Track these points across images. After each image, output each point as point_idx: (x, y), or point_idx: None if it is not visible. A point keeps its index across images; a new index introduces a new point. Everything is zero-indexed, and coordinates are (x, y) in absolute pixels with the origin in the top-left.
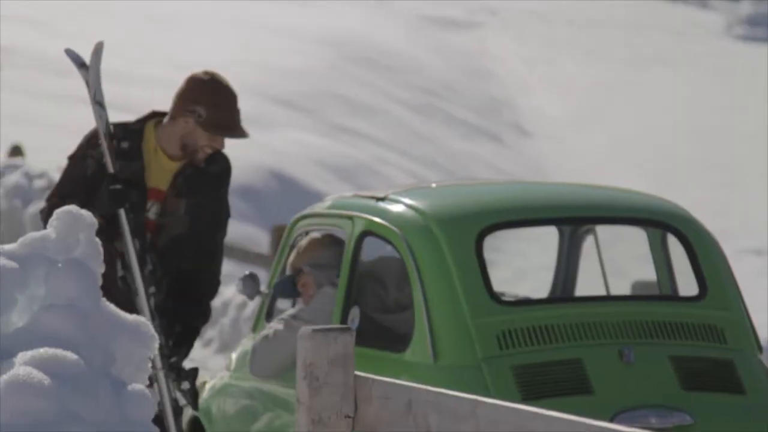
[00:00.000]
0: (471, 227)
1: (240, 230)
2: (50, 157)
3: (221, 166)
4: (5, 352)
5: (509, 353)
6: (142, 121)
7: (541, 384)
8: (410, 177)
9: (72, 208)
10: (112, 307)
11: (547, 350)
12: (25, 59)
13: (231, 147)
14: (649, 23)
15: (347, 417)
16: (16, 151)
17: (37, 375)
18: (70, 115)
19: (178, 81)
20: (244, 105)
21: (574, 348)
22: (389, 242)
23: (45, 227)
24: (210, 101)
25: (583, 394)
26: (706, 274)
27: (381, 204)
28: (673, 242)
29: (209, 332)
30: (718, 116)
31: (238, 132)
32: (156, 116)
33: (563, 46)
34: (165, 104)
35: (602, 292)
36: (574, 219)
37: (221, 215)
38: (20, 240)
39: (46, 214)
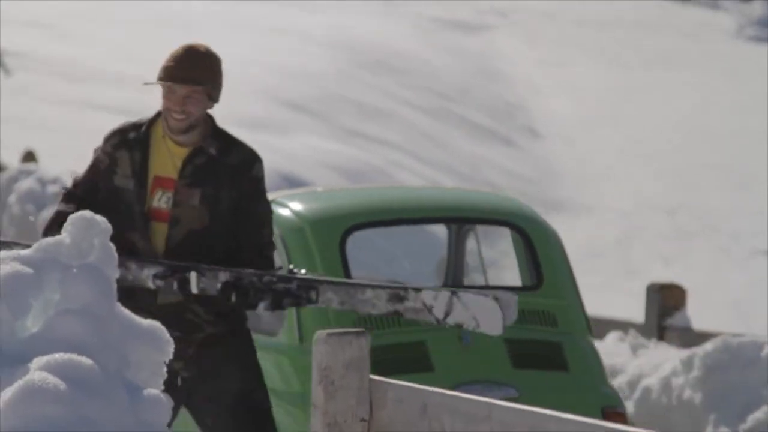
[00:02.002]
0: (337, 228)
1: None
2: (63, 163)
3: (240, 157)
4: (20, 357)
5: None
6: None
7: (390, 362)
8: (423, 180)
9: (86, 213)
10: (126, 312)
11: (397, 333)
12: (37, 64)
13: None
14: (660, 24)
15: (362, 420)
16: (29, 156)
17: (53, 380)
18: (82, 120)
19: None
20: (255, 108)
21: (420, 332)
22: None
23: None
24: (166, 59)
25: (425, 372)
26: (543, 267)
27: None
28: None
29: None
30: (730, 117)
31: (168, 75)
32: None
33: (574, 48)
34: None
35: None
36: (427, 219)
37: (261, 211)
38: (35, 245)
39: (58, 203)
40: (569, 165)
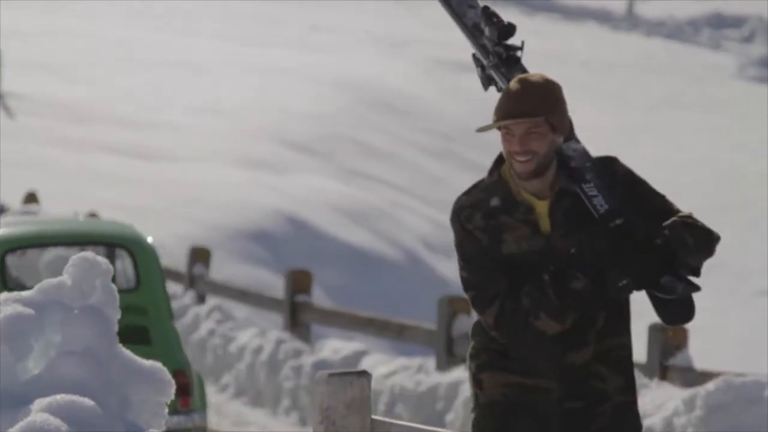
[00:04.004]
0: (1, 248)
1: (254, 274)
2: (65, 204)
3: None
4: (22, 398)
5: None
6: (497, 167)
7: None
8: (425, 221)
9: (88, 254)
10: (127, 353)
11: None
12: (41, 106)
13: (245, 191)
14: (663, 66)
15: None
16: (31, 197)
17: (54, 422)
18: (85, 162)
19: (197, 126)
20: (259, 149)
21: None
22: None
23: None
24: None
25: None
26: (141, 274)
27: None
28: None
29: (225, 377)
30: (733, 157)
31: (501, 113)
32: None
33: (578, 89)
34: (187, 149)
35: None
36: (61, 243)
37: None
38: (36, 287)
39: (491, 323)
40: None
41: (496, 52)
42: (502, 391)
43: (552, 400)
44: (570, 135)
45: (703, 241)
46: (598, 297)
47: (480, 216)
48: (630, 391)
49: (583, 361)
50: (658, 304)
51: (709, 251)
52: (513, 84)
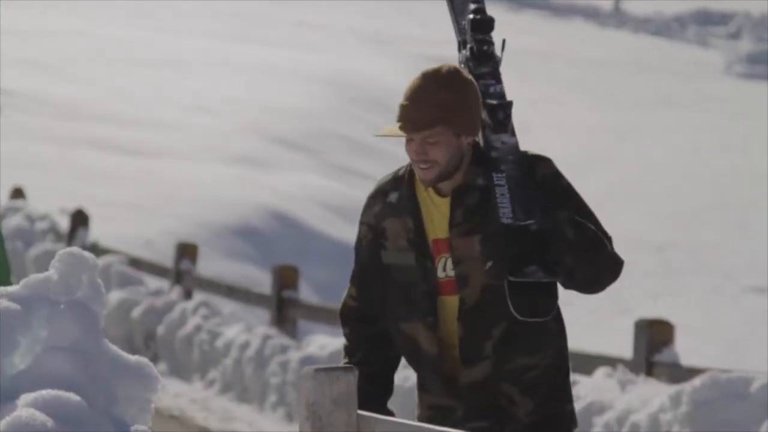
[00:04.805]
0: None
1: (242, 270)
2: (52, 200)
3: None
4: (8, 394)
5: None
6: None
7: None
8: None
9: (74, 249)
10: (114, 348)
11: None
12: (27, 102)
13: (233, 187)
14: (650, 63)
15: None
16: (17, 193)
17: (40, 417)
18: (72, 158)
19: (186, 123)
20: (247, 145)
21: None
22: None
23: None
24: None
25: None
26: None
27: None
28: None
29: (211, 373)
30: (722, 155)
31: (398, 120)
32: None
33: (565, 87)
34: (175, 146)
35: None
36: None
37: (577, 206)
38: (22, 282)
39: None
40: None
41: (470, 46)
42: (427, 413)
43: (457, 420)
44: (501, 127)
45: (588, 243)
46: (492, 306)
47: (375, 211)
48: (543, 410)
49: (482, 377)
50: (510, 291)
51: (595, 259)
52: (412, 85)
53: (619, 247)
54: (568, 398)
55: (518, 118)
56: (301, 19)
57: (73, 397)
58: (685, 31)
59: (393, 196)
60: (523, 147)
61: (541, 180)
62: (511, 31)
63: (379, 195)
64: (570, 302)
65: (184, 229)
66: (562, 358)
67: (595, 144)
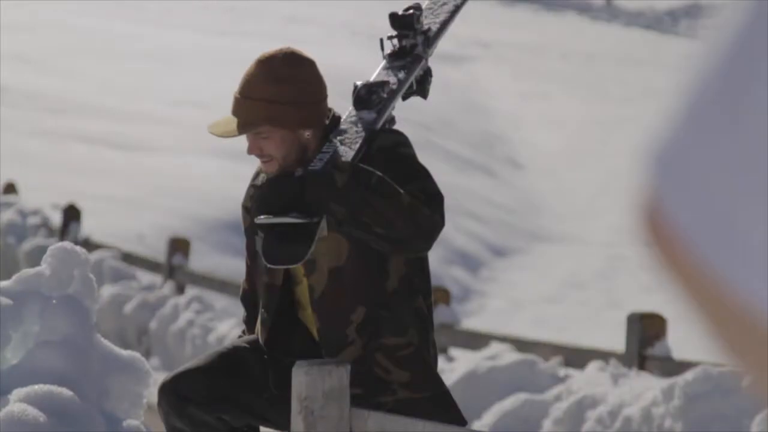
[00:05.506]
0: None
1: (234, 265)
2: (44, 195)
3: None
4: (0, 388)
5: None
6: None
7: None
8: None
9: (66, 244)
10: (106, 343)
11: None
12: (19, 97)
13: (225, 182)
14: (641, 56)
15: None
16: (9, 188)
17: (32, 411)
18: (64, 153)
19: (176, 117)
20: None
21: None
22: None
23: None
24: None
25: None
26: None
27: None
28: None
29: None
30: None
31: (221, 125)
32: None
33: (557, 80)
34: (166, 140)
35: None
36: None
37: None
38: (15, 277)
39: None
40: (551, 196)
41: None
42: None
43: None
44: (360, 104)
45: (375, 195)
46: (346, 291)
47: (249, 194)
48: (418, 387)
49: (354, 357)
50: (264, 238)
51: (382, 212)
52: (246, 73)
53: (611, 241)
54: (442, 383)
55: (509, 111)
56: (292, 13)
57: (65, 391)
58: (677, 24)
59: (260, 178)
60: (514, 140)
61: (376, 151)
62: (503, 26)
63: (253, 178)
64: (563, 297)
65: (176, 224)
66: (428, 346)
67: (586, 137)
